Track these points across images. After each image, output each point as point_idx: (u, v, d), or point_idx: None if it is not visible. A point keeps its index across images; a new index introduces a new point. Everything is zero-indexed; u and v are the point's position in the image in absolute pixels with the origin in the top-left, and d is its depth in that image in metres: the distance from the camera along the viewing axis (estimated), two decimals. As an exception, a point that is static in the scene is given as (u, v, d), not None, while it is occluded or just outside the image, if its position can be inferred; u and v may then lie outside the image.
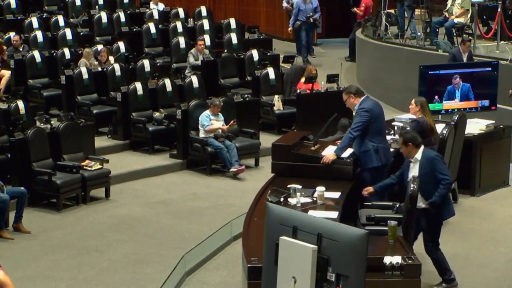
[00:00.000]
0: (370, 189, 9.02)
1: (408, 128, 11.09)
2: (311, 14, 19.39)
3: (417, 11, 17.31)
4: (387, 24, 18.02)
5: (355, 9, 20.77)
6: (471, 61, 13.98)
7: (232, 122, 13.39)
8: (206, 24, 18.39)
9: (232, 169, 13.04)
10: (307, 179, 9.05)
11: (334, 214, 8.06)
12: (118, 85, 14.65)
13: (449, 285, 8.86)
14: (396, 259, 7.01)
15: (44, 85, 15.48)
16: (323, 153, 9.65)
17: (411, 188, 8.13)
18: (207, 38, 17.31)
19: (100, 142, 13.89)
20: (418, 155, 8.67)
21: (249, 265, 6.89)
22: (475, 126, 12.17)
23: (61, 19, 17.89)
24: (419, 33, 17.08)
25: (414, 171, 8.66)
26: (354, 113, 9.88)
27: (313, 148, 9.84)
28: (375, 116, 9.63)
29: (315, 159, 9.48)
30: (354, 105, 9.71)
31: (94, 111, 14.48)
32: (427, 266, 8.79)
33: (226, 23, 19.00)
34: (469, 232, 10.70)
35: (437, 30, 16.65)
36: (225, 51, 17.05)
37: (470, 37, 15.42)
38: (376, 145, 9.51)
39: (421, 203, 8.54)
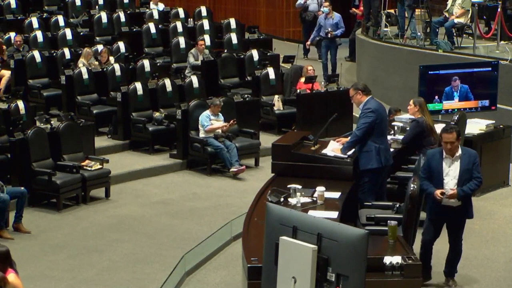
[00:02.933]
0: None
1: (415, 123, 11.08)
2: (329, 29, 18.48)
3: (417, 11, 17.29)
4: (387, 24, 18.02)
5: (353, 9, 20.74)
6: None
7: (232, 121, 13.38)
8: (206, 24, 18.40)
9: (232, 169, 13.05)
10: (307, 179, 9.04)
11: (334, 214, 8.06)
12: (118, 85, 14.65)
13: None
14: (396, 259, 7.00)
15: (44, 85, 15.49)
16: (328, 148, 9.64)
17: (411, 188, 8.12)
18: (207, 38, 17.31)
19: (100, 142, 13.90)
20: (460, 150, 8.55)
21: (249, 265, 6.89)
22: (475, 126, 12.16)
23: (61, 19, 17.90)
24: (419, 33, 17.07)
25: (454, 167, 8.52)
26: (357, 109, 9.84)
27: (313, 148, 9.84)
28: (380, 117, 9.62)
29: (315, 159, 9.48)
30: (360, 102, 9.67)
31: (94, 111, 14.49)
32: (427, 266, 8.80)
33: (226, 23, 19.00)
34: (469, 232, 10.67)
35: (437, 30, 16.63)
36: (225, 51, 17.06)
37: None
38: (378, 146, 9.50)
39: (452, 200, 8.51)
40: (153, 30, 17.71)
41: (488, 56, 15.26)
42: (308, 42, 19.30)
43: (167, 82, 14.61)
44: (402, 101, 14.08)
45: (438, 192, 8.45)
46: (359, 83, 10.18)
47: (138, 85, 14.32)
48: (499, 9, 16.12)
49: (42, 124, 12.45)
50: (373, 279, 6.63)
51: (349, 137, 9.74)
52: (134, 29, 17.88)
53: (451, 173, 8.52)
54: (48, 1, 19.86)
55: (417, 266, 7.09)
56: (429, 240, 8.76)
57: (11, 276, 6.41)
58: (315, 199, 8.52)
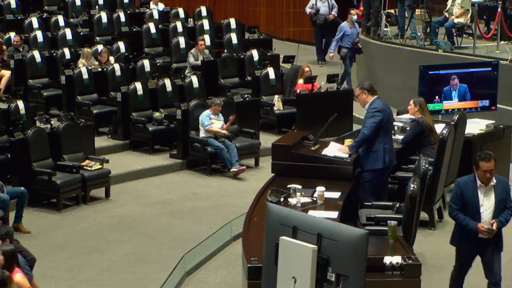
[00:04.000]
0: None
1: (407, 131, 11.08)
2: (358, 39, 17.92)
3: (417, 11, 17.30)
4: (387, 24, 18.02)
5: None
6: None
7: (231, 117, 13.34)
8: (206, 24, 18.39)
9: (233, 169, 13.04)
10: (307, 179, 9.04)
11: (334, 214, 8.06)
12: (118, 85, 14.65)
13: None
14: (396, 259, 7.00)
15: (44, 85, 15.48)
16: (331, 148, 9.63)
17: (411, 188, 8.11)
18: (207, 38, 17.30)
19: (100, 142, 13.89)
20: (494, 179, 7.98)
21: (249, 265, 6.89)
22: (475, 126, 12.15)
23: (61, 19, 17.90)
24: (419, 33, 17.07)
25: (489, 197, 7.98)
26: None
27: (313, 148, 9.84)
28: (387, 117, 9.60)
29: (315, 159, 9.48)
30: (365, 102, 9.62)
31: (94, 111, 14.48)
32: (427, 266, 8.80)
33: (226, 23, 18.99)
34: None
35: (437, 30, 16.63)
36: (225, 51, 17.05)
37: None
38: (384, 146, 9.49)
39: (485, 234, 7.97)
40: (153, 30, 17.70)
41: (488, 56, 15.26)
42: (331, 54, 18.26)
43: (167, 82, 14.60)
44: (402, 101, 14.08)
45: (480, 226, 7.90)
46: (365, 82, 10.11)
47: (138, 85, 14.32)
48: (499, 9, 16.13)
49: (42, 124, 12.46)
50: (373, 279, 6.62)
51: (358, 137, 9.71)
52: (134, 29, 17.87)
53: (486, 203, 7.95)
54: (48, 1, 19.85)
55: (417, 266, 7.09)
56: (463, 272, 8.37)
57: (17, 276, 6.41)
58: (315, 199, 8.52)
